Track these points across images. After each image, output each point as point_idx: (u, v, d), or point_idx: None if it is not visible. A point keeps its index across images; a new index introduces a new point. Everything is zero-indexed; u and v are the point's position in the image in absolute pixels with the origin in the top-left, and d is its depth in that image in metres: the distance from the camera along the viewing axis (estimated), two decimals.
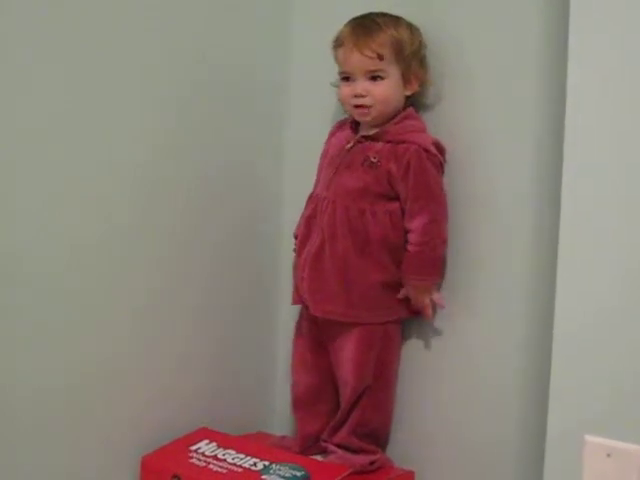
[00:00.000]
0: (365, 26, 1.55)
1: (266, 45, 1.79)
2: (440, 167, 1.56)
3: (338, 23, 1.60)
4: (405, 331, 1.68)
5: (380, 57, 1.53)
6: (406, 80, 1.56)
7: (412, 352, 1.68)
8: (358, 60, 1.54)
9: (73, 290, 1.50)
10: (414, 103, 1.61)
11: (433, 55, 1.59)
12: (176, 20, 1.61)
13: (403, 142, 1.55)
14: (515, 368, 1.54)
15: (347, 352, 1.61)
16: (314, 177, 1.69)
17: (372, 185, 1.56)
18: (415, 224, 1.55)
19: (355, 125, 1.63)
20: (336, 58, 1.59)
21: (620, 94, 1.22)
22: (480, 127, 1.57)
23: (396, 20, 1.56)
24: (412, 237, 1.55)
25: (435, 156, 1.54)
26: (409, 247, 1.56)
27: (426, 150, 1.53)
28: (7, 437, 1.43)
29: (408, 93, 1.58)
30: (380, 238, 1.57)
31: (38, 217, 1.45)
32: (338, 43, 1.58)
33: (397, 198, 1.56)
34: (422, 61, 1.58)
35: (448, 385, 1.65)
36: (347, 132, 1.63)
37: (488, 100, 1.56)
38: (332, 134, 1.68)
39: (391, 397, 1.67)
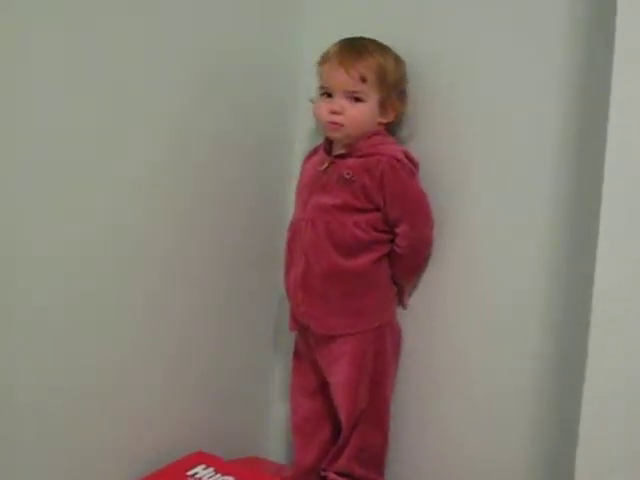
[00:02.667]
0: (354, 47, 1.57)
1: (279, 37, 1.76)
2: (413, 175, 1.57)
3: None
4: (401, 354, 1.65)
5: (363, 79, 1.54)
6: (383, 108, 1.58)
7: (408, 377, 1.65)
8: (342, 78, 1.54)
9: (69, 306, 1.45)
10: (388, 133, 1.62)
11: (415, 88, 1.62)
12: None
13: (374, 155, 1.55)
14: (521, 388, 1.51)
15: (338, 375, 1.60)
16: None
17: (350, 201, 1.56)
18: (398, 230, 1.57)
19: (328, 148, 1.63)
20: (320, 74, 1.60)
21: None
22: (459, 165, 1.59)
23: (384, 48, 1.58)
24: (398, 241, 1.58)
25: (407, 165, 1.56)
26: (395, 248, 1.59)
27: (397, 160, 1.55)
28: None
29: (383, 121, 1.59)
30: (367, 242, 1.57)
31: (40, 218, 1.39)
32: (324, 59, 1.58)
33: (377, 209, 1.57)
34: (402, 93, 1.60)
35: (450, 410, 1.61)
36: (321, 155, 1.63)
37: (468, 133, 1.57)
38: (307, 160, 1.68)
39: (387, 417, 1.64)
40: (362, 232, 1.56)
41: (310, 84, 1.64)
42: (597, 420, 1.21)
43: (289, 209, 1.71)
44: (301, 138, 1.78)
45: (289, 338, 1.72)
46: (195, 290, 1.66)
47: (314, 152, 1.68)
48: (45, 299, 1.41)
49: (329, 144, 1.63)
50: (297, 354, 1.70)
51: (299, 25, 1.77)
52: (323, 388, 1.65)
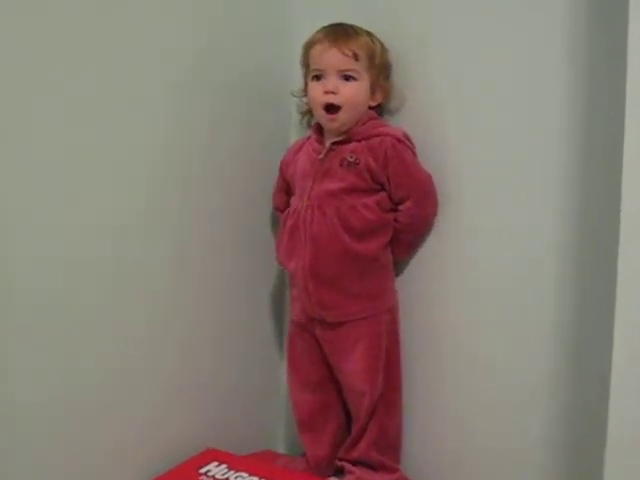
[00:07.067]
0: (342, 29, 1.57)
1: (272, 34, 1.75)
2: (415, 155, 1.57)
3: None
4: (408, 334, 1.61)
5: (356, 57, 1.54)
6: (373, 90, 1.57)
7: (419, 359, 1.62)
8: (334, 57, 1.54)
9: (73, 305, 1.41)
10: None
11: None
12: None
13: (375, 136, 1.55)
14: (538, 371, 1.48)
15: (357, 361, 1.56)
16: None
17: (356, 183, 1.54)
18: (401, 207, 1.57)
19: (321, 137, 1.61)
20: (308, 58, 1.59)
21: None
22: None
23: (369, 32, 1.58)
24: (399, 217, 1.57)
25: (408, 145, 1.56)
26: (396, 225, 1.58)
27: (399, 140, 1.55)
28: None
29: (373, 103, 1.59)
30: (376, 224, 1.55)
31: (40, 219, 1.35)
32: (312, 43, 1.58)
33: (383, 189, 1.56)
34: (388, 77, 1.61)
35: (464, 393, 1.58)
36: (314, 145, 1.61)
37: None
38: (296, 151, 1.66)
39: (401, 400, 1.62)
40: (371, 214, 1.54)
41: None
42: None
43: None
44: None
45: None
46: (201, 287, 1.64)
47: (299, 147, 1.66)
48: (46, 299, 1.37)
49: (320, 134, 1.61)
50: (293, 350, 1.66)
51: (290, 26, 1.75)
52: (324, 380, 1.63)
